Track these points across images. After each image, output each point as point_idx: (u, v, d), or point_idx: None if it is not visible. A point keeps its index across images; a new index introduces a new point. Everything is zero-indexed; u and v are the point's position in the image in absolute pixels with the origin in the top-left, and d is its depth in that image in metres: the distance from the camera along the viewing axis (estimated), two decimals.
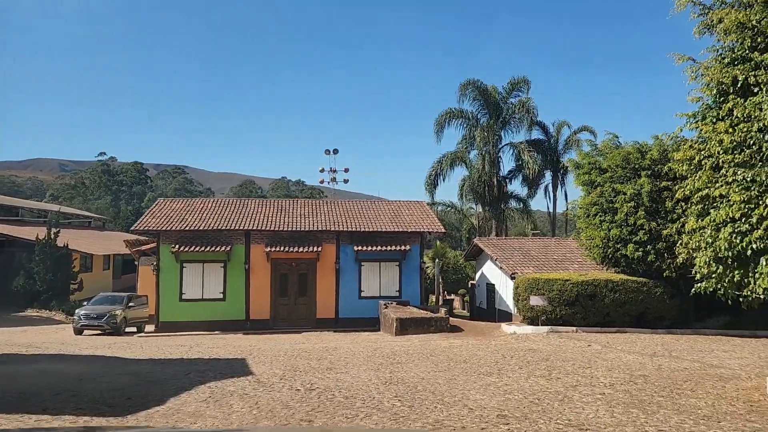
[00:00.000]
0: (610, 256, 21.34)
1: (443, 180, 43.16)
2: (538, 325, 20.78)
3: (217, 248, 25.83)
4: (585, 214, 22.48)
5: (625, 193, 20.64)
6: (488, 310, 29.44)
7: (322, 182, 40.96)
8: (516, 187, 46.53)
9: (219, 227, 26.17)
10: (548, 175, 44.26)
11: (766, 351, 16.03)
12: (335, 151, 40.72)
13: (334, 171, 40.95)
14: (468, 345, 18.03)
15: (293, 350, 17.58)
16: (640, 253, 20.16)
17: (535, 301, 20.71)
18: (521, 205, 42.86)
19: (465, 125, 43.40)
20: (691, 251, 10.07)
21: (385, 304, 24.83)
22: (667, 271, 20.04)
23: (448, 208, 42.15)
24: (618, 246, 20.93)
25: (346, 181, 40.88)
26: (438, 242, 44.54)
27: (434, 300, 37.03)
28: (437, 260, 38.78)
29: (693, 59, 10.26)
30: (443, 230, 27.26)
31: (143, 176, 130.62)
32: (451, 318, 25.41)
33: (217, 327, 25.79)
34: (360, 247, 26.21)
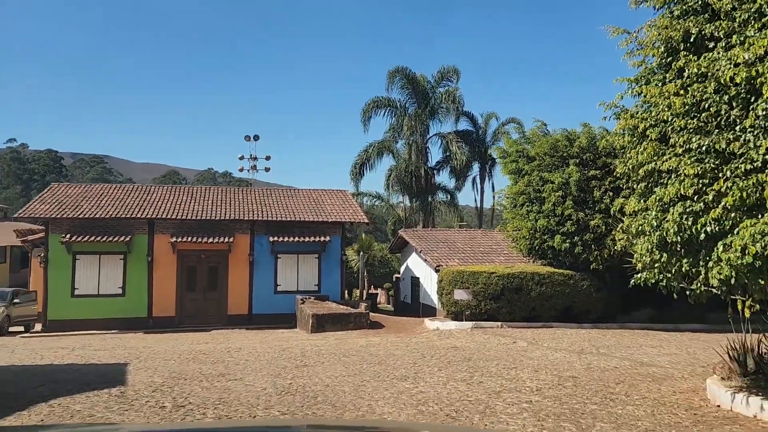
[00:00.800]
0: (537, 247, 20.48)
1: (370, 170, 41.75)
2: (462, 320, 19.63)
3: (116, 238, 23.24)
4: (512, 203, 21.54)
5: (553, 182, 19.79)
6: (413, 305, 28.22)
7: (241, 170, 38.57)
8: (444, 178, 45.67)
9: (119, 215, 23.56)
10: (476, 167, 43.69)
11: (693, 346, 15.44)
12: (256, 138, 38.39)
13: (255, 158, 38.63)
14: (387, 343, 16.60)
15: (190, 352, 15.57)
16: (568, 244, 19.37)
17: (460, 295, 19.54)
18: (448, 198, 42.04)
19: (393, 114, 42.11)
20: (630, 237, 8.90)
21: (302, 299, 23.07)
22: (594, 264, 19.34)
23: (375, 200, 40.79)
24: (545, 237, 20.08)
25: (267, 170, 38.63)
26: (364, 235, 43.09)
27: (358, 294, 35.54)
28: (362, 253, 37.30)
29: (628, 31, 9.15)
30: (366, 221, 25.78)
31: (58, 165, 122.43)
32: (372, 313, 23.97)
33: (116, 325, 23.24)
34: (276, 238, 24.30)
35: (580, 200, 19.48)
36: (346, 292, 38.90)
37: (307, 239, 24.41)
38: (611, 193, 18.96)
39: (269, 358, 14.01)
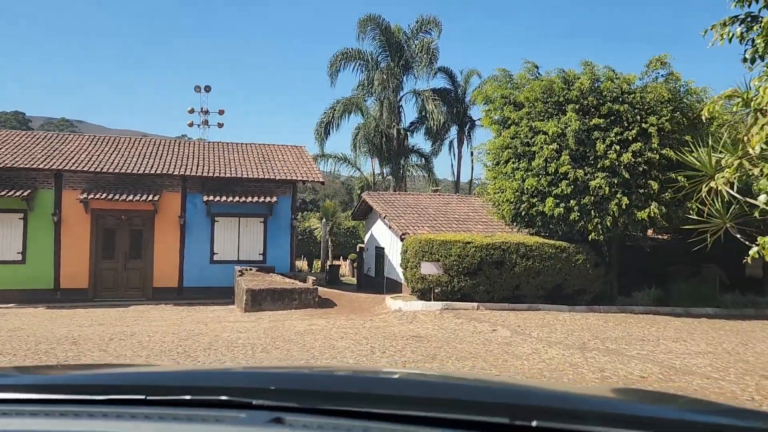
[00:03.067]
0: (523, 213, 16.82)
1: (336, 130, 37.65)
2: (430, 299, 15.99)
3: (12, 192, 18.98)
4: (494, 160, 17.79)
5: (546, 133, 16.05)
6: (377, 279, 24.56)
7: (191, 125, 34.14)
8: (419, 141, 41.75)
9: (15, 165, 19.26)
10: (454, 131, 39.83)
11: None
12: (207, 89, 33.87)
13: (206, 112, 34.17)
14: (332, 329, 12.90)
15: (67, 337, 11.69)
16: (561, 209, 15.73)
17: (428, 268, 15.85)
18: (423, 162, 38.20)
19: (364, 69, 37.87)
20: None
21: (241, 271, 19.20)
22: (593, 234, 15.76)
23: (340, 162, 36.72)
24: (534, 201, 16.41)
25: (220, 126, 34.31)
26: (327, 201, 39.21)
27: (319, 266, 31.78)
28: (325, 221, 33.44)
29: None
30: (321, 179, 21.82)
31: (25, 128, 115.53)
32: (326, 289, 20.22)
33: (14, 298, 19.18)
34: (212, 198, 20.27)
35: (579, 155, 15.80)
36: (306, 263, 35.08)
37: (250, 200, 20.43)
38: (618, 147, 15.30)
39: (160, 350, 10.20)
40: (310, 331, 12.68)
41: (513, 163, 16.98)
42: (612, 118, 15.70)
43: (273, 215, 21.14)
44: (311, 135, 37.58)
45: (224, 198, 20.32)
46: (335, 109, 36.91)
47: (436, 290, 16.00)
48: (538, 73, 17.52)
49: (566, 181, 15.70)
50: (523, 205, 16.65)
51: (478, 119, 36.25)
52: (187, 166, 20.99)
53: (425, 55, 36.55)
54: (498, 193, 17.53)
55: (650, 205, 15.18)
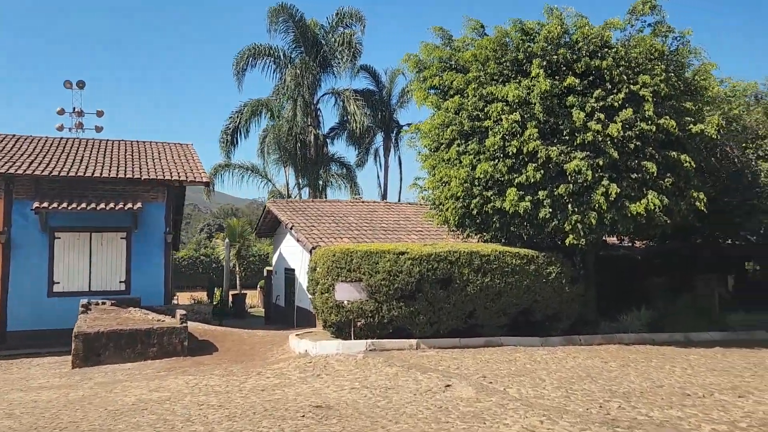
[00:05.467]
0: (475, 212, 12.34)
1: (245, 136, 32.45)
2: (350, 336, 11.13)
3: None
4: (433, 143, 13.30)
5: (503, 100, 11.71)
6: (287, 309, 19.48)
7: (60, 128, 27.98)
8: (341, 149, 36.94)
9: None
10: (380, 137, 35.46)
11: None
12: (80, 84, 27.98)
13: (80, 113, 28.18)
14: (188, 395, 7.87)
15: None
16: (527, 203, 11.35)
17: (345, 292, 11.01)
18: (345, 171, 33.46)
19: (276, 67, 32.98)
20: None
21: (85, 305, 13.65)
22: (572, 236, 11.44)
23: (247, 172, 31.37)
24: (489, 194, 11.98)
25: (99, 129, 28.29)
26: (234, 219, 33.73)
27: (219, 296, 26.20)
28: (228, 241, 27.95)
29: None
30: (205, 180, 16.61)
31: None
32: (207, 327, 14.91)
33: None
34: (48, 205, 14.65)
35: (550, 129, 11.54)
36: (206, 294, 29.28)
37: (104, 207, 14.95)
38: (602, 116, 11.13)
39: None
40: (146, 403, 7.53)
41: (459, 145, 12.53)
42: (591, 77, 11.57)
43: (140, 228, 15.71)
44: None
45: (66, 205, 14.74)
46: (242, 112, 31.71)
47: (359, 323, 11.15)
48: (485, 34, 13.25)
49: (533, 165, 11.36)
50: (474, 201, 12.17)
51: (407, 124, 32.13)
52: (15, 162, 15.29)
53: (346, 51, 32.11)
54: (439, 187, 13.01)
55: (647, 195, 11.05)
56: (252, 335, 14.17)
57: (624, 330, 12.51)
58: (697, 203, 11.38)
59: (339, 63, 32.72)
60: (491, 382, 7.96)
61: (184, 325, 11.80)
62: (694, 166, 11.23)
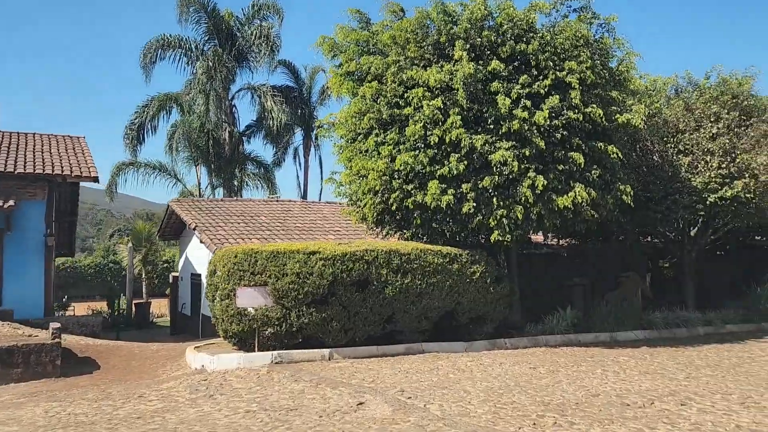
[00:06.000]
0: (394, 208, 11.34)
1: (153, 133, 30.25)
2: (253, 348, 9.82)
3: None
4: (350, 134, 12.21)
5: (425, 85, 10.78)
6: (193, 318, 17.79)
7: None
8: (257, 147, 35.14)
9: None
10: (299, 136, 34.11)
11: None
12: None
13: None
14: (46, 428, 6.30)
15: None
16: (450, 197, 10.46)
17: (248, 298, 9.70)
18: (262, 171, 31.81)
19: (187, 59, 30.92)
20: None
21: None
22: (497, 234, 10.65)
23: (154, 171, 29.12)
24: (410, 188, 11.02)
25: None
26: (140, 222, 31.35)
27: (124, 305, 23.98)
28: (131, 246, 25.75)
29: None
30: (94, 175, 14.71)
31: None
32: (91, 342, 13.12)
33: None
34: None
35: (474, 116, 10.72)
36: (107, 303, 26.80)
37: None
38: (528, 103, 10.41)
39: None
40: None
41: (377, 135, 11.50)
42: (517, 63, 10.86)
43: (14, 230, 13.68)
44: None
45: None
46: (149, 107, 29.47)
47: (264, 333, 9.86)
48: (405, 18, 12.29)
49: (457, 155, 10.50)
50: (393, 196, 11.17)
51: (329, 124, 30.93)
52: None
53: (264, 44, 30.49)
54: (356, 181, 11.93)
55: (574, 188, 10.43)
56: (145, 349, 12.53)
57: (550, 331, 11.88)
58: (624, 197, 10.90)
59: (256, 57, 31.09)
60: (410, 398, 6.93)
61: (57, 341, 10.06)
62: (621, 157, 10.74)
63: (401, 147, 11.05)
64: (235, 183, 30.47)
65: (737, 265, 16.94)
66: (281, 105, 30.08)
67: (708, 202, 12.45)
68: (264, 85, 30.79)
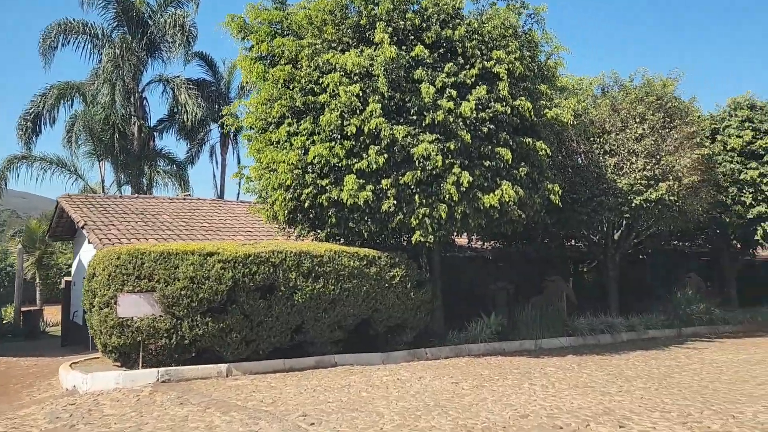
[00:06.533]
0: (307, 205, 10.24)
1: (51, 125, 27.54)
2: (137, 365, 8.43)
3: None
4: (259, 122, 11.02)
5: (342, 70, 9.77)
6: (85, 328, 15.84)
7: None
8: (170, 142, 32.93)
9: None
10: (217, 133, 32.23)
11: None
12: None
13: None
14: None
15: None
16: (369, 193, 9.50)
17: (131, 306, 8.33)
18: (175, 169, 29.75)
19: (92, 46, 28.46)
20: None
21: None
22: (418, 233, 9.77)
23: (53, 166, 26.56)
24: (324, 183, 9.97)
25: None
26: (34, 221, 28.67)
27: (11, 313, 21.54)
28: (21, 247, 23.23)
29: None
30: None
31: None
32: None
33: None
34: None
35: (396, 105, 9.81)
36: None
37: None
38: (454, 93, 9.61)
39: None
40: None
41: (290, 124, 10.39)
42: (442, 50, 10.05)
43: None
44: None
45: None
46: (47, 96, 26.87)
47: (151, 346, 8.49)
48: None
49: (376, 148, 9.55)
50: (306, 192, 10.08)
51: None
52: None
53: (178, 34, 28.50)
54: (265, 175, 10.74)
55: (501, 186, 9.71)
56: (13, 366, 10.79)
57: (473, 340, 11.12)
58: (552, 196, 10.31)
59: (170, 47, 29.03)
60: (313, 424, 5.85)
61: None
62: (550, 154, 10.14)
63: (315, 138, 9.99)
64: (144, 181, 28.30)
65: (658, 270, 16.95)
66: (196, 99, 28.19)
67: (633, 204, 12.14)
68: (178, 77, 28.78)
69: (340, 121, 9.76)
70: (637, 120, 12.49)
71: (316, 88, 10.15)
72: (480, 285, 14.07)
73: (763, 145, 14.60)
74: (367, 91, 9.68)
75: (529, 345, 11.57)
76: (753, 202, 14.43)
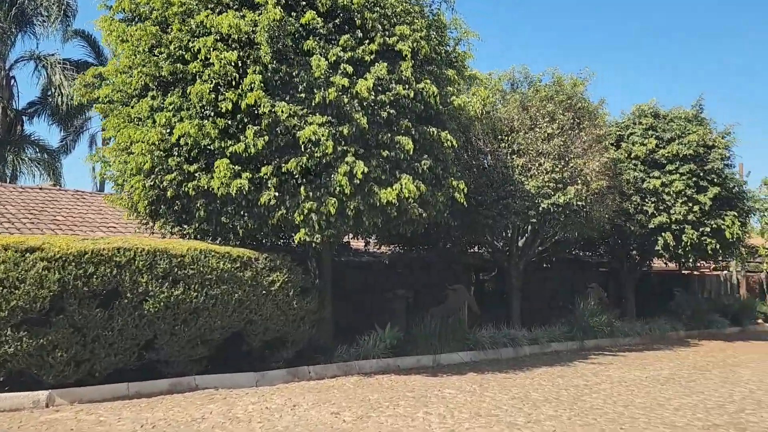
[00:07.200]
0: (170, 195, 8.50)
1: None
2: None
3: None
4: (118, 95, 9.16)
5: (217, 33, 8.17)
6: None
7: None
8: (42, 129, 29.50)
9: None
10: (98, 121, 29.11)
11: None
12: None
13: None
14: None
15: None
16: (245, 182, 7.97)
17: None
18: (46, 157, 26.42)
19: None
20: None
21: None
22: (303, 230, 8.33)
23: None
24: (192, 168, 8.32)
25: None
26: None
27: None
28: None
29: None
30: None
31: None
32: None
33: None
34: None
35: (281, 80, 8.31)
36: None
37: None
38: (350, 69, 8.27)
39: None
40: None
41: (153, 97, 8.65)
42: (338, 20, 8.69)
43: None
44: None
45: None
46: None
47: None
48: None
49: (255, 128, 8.02)
50: (169, 178, 8.37)
51: None
52: None
53: (55, 7, 25.49)
54: (122, 157, 8.90)
55: (400, 179, 8.48)
56: None
57: (365, 356, 9.78)
58: (457, 194, 9.21)
59: (44, 22, 25.91)
60: None
61: None
62: (455, 145, 9.04)
63: (183, 114, 8.30)
64: (7, 170, 24.86)
65: (561, 280, 16.49)
66: (74, 81, 25.23)
67: (540, 209, 11.35)
68: (53, 55, 25.62)
69: (213, 96, 8.16)
70: (547, 119, 11.77)
71: (186, 55, 8.48)
72: (377, 293, 12.82)
73: (666, 155, 14.43)
74: (248, 61, 8.15)
75: (426, 361, 10.42)
76: (655, 212, 14.19)
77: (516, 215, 11.59)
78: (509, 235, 13.34)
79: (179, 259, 7.68)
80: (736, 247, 15.64)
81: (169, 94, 8.56)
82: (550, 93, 12.16)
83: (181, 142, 8.20)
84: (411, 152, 8.54)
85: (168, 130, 8.34)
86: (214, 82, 8.14)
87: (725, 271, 22.03)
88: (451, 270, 14.11)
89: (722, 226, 14.24)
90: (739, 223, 14.61)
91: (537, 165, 11.55)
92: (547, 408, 6.84)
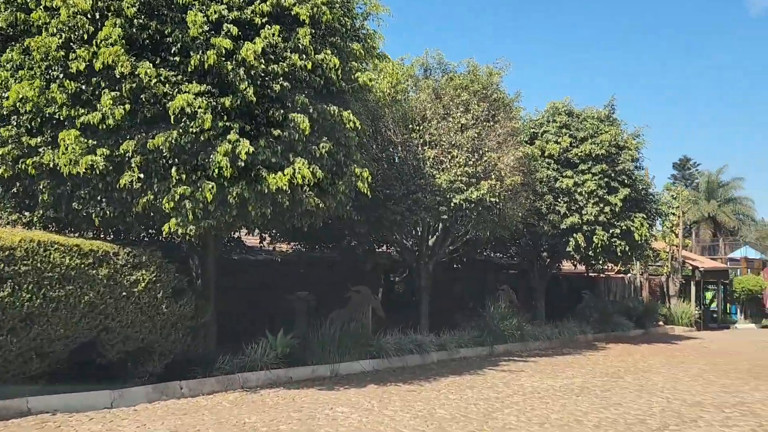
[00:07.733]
0: (6, 175, 6.88)
1: None
2: None
3: None
4: None
5: None
6: None
7: None
8: None
9: None
10: None
11: None
12: None
13: None
14: None
15: None
16: (100, 160, 6.53)
17: None
18: None
19: None
20: None
21: None
22: (174, 220, 6.96)
23: None
24: (34, 142, 6.77)
25: None
26: None
27: None
28: None
29: None
30: None
31: None
32: None
33: None
34: None
35: (150, 38, 6.91)
36: None
37: None
38: (234, 30, 7.00)
39: None
40: None
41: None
42: None
43: None
44: None
45: None
46: None
47: None
48: None
49: (114, 94, 6.59)
50: (2, 152, 6.75)
51: None
52: None
53: None
54: None
55: (294, 163, 7.29)
56: None
57: (252, 366, 8.51)
58: (360, 183, 8.13)
59: None
60: None
61: None
62: (359, 127, 7.96)
63: (23, 74, 6.73)
64: None
65: (472, 281, 15.86)
66: None
67: (452, 204, 10.53)
68: None
69: (63, 53, 6.65)
70: (461, 109, 10.97)
71: (30, 3, 6.91)
72: (276, 295, 11.55)
73: (579, 154, 14.10)
74: (108, 13, 6.70)
75: (323, 371, 9.29)
76: (567, 212, 13.80)
77: (426, 211, 10.71)
78: (419, 233, 12.49)
79: (7, 253, 6.12)
80: (644, 249, 15.60)
81: (8, 50, 6.95)
82: (464, 82, 11.39)
83: (20, 108, 6.64)
84: (307, 133, 7.37)
85: (4, 93, 6.75)
86: (64, 36, 6.64)
87: (629, 274, 22.38)
88: (356, 270, 13.07)
89: (631, 228, 14.09)
90: (647, 225, 14.54)
91: (450, 158, 10.73)
92: (454, 429, 5.90)
